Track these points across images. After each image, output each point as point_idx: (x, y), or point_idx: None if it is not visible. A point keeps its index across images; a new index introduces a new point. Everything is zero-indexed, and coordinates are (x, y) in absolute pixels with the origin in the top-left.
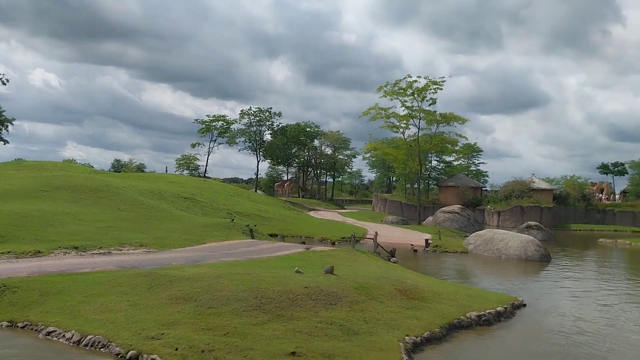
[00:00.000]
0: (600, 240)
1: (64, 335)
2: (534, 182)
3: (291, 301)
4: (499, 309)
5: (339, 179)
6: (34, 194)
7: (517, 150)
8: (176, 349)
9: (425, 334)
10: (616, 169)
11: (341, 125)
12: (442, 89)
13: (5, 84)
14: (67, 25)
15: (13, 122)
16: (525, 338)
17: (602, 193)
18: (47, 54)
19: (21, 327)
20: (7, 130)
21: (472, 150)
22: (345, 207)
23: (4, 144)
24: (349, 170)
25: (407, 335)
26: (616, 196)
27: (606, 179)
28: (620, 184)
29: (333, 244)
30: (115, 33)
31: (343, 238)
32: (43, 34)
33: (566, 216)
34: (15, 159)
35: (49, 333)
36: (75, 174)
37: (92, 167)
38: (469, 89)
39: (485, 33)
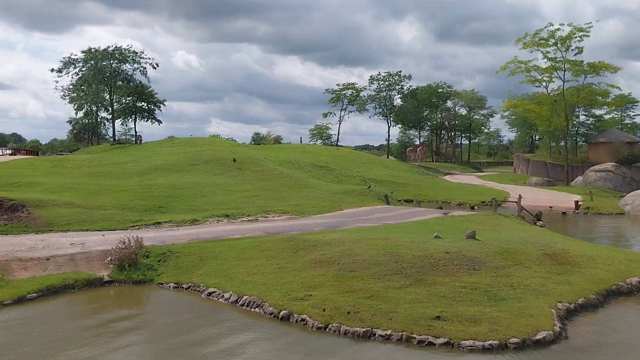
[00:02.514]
0: None
1: (222, 296)
2: None
3: (432, 266)
4: None
5: (475, 140)
6: (186, 168)
7: None
8: (323, 310)
9: (579, 300)
10: None
11: (475, 84)
12: (588, 35)
13: (155, 68)
14: (199, 7)
15: (164, 103)
16: None
17: None
18: (185, 37)
19: (186, 288)
20: (161, 110)
21: (627, 102)
22: (483, 169)
23: (159, 124)
24: (486, 130)
25: (559, 302)
26: None
27: None
28: None
29: (472, 208)
30: (244, 9)
31: (483, 202)
32: (180, 17)
33: None
34: (168, 137)
35: (209, 294)
36: (221, 148)
37: (235, 140)
38: (620, 32)
39: None
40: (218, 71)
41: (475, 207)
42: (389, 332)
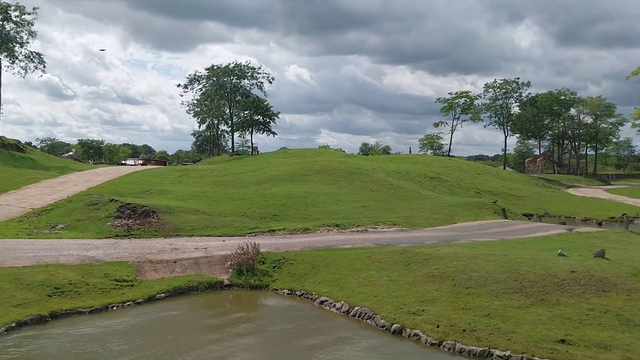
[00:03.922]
0: None
1: (334, 305)
2: None
3: (556, 285)
4: None
5: (603, 150)
6: (299, 178)
7: None
8: (437, 326)
9: None
10: None
11: (602, 90)
12: None
13: (271, 82)
14: (312, 22)
15: (278, 116)
16: None
17: None
18: (297, 51)
19: (299, 296)
20: (275, 123)
21: None
22: (611, 182)
23: (273, 135)
24: (614, 140)
25: None
26: None
27: None
28: None
29: (600, 224)
30: (356, 22)
31: (612, 218)
32: (294, 32)
33: None
34: (281, 148)
35: (322, 302)
36: (331, 159)
37: (344, 151)
38: None
39: None
40: (328, 83)
41: (603, 223)
42: (508, 352)
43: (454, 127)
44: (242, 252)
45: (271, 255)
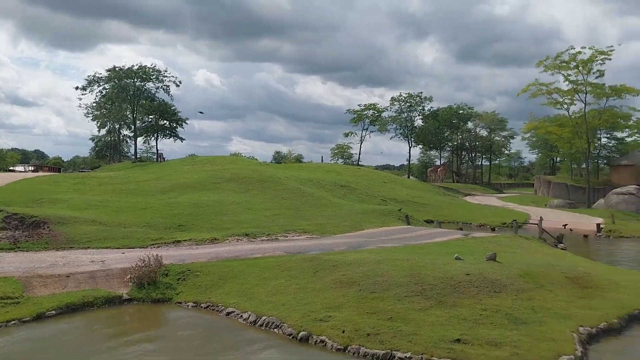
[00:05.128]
0: None
1: (241, 316)
2: None
3: (453, 288)
4: None
5: (496, 161)
6: (208, 186)
7: None
8: (343, 331)
9: (602, 324)
10: None
11: (497, 105)
12: (610, 59)
13: (178, 86)
14: (225, 27)
15: (187, 122)
16: None
17: None
18: (208, 56)
19: (205, 308)
20: (183, 128)
21: None
22: (503, 191)
23: (181, 141)
24: (506, 152)
25: (581, 326)
26: None
27: None
28: None
29: (493, 230)
30: (269, 29)
31: (504, 224)
32: (204, 36)
33: None
34: (189, 155)
35: (228, 313)
36: (243, 167)
37: (257, 159)
38: None
39: None
40: (240, 90)
41: (496, 229)
42: (409, 354)
43: (363, 138)
44: (143, 264)
45: (175, 267)
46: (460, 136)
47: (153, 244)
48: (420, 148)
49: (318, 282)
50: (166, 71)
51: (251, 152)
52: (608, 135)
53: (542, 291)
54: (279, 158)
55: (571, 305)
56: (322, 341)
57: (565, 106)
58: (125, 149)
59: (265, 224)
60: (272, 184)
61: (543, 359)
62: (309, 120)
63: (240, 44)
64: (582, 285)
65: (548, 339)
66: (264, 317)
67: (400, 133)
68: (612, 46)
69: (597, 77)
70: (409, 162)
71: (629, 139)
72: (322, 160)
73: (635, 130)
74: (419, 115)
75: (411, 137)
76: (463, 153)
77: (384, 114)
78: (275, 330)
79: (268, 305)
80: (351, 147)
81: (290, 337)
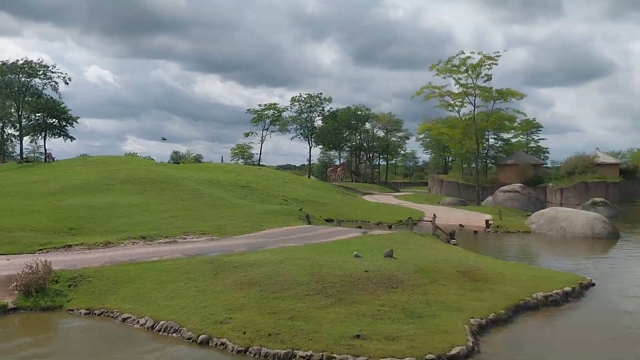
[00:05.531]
0: None
1: (138, 321)
2: (598, 156)
3: (352, 285)
4: (566, 289)
5: (393, 161)
6: (101, 188)
7: (580, 123)
8: (244, 333)
9: (491, 315)
10: None
11: (393, 107)
12: (497, 64)
13: (67, 83)
14: (118, 22)
15: (77, 120)
16: (596, 319)
17: None
18: (100, 51)
19: (98, 315)
20: (74, 127)
21: (532, 126)
22: (400, 190)
23: (71, 140)
24: (402, 152)
25: (472, 318)
26: None
27: None
28: None
29: (390, 227)
30: (165, 26)
31: (400, 221)
32: (96, 31)
33: (634, 191)
34: (81, 155)
35: (124, 319)
36: (138, 167)
37: (153, 159)
38: (526, 61)
39: (542, 0)
40: (135, 87)
41: (393, 226)
42: (309, 352)
43: (263, 138)
44: (30, 271)
45: (66, 273)
46: (359, 137)
47: (41, 249)
48: (321, 148)
49: (218, 284)
50: (54, 66)
51: (147, 152)
52: (495, 136)
53: (436, 285)
54: (177, 158)
55: (463, 298)
56: (222, 344)
57: (457, 108)
58: (10, 149)
59: (163, 226)
60: (169, 185)
61: (437, 351)
62: (208, 119)
63: (134, 39)
64: (473, 278)
65: (442, 331)
66: (162, 322)
67: (301, 133)
68: (498, 52)
69: (485, 81)
70: (310, 162)
71: (514, 140)
72: (222, 160)
73: (520, 132)
74: (318, 115)
75: (311, 137)
76: (361, 153)
77: (285, 114)
78: (174, 334)
79: (166, 309)
80: (252, 147)
81: (190, 341)
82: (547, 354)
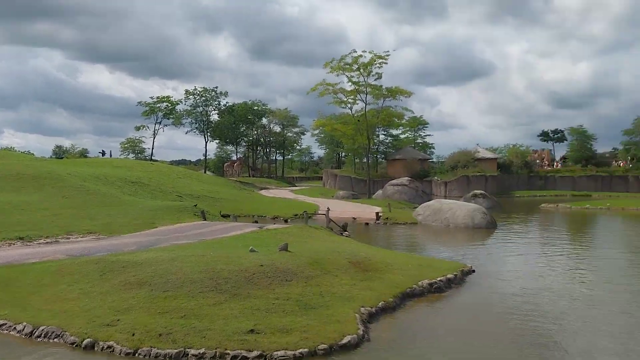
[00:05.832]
0: (542, 205)
1: (14, 328)
2: (478, 151)
3: (247, 280)
4: (449, 276)
5: (289, 156)
6: None
7: (463, 121)
8: (133, 334)
9: (380, 304)
10: (556, 135)
11: (289, 102)
12: (387, 63)
13: None
14: None
15: None
16: (476, 303)
17: (543, 160)
18: None
19: None
20: None
21: (418, 123)
22: (296, 184)
23: None
24: (298, 147)
25: (362, 307)
26: (556, 162)
27: (547, 146)
28: (560, 150)
29: (286, 221)
30: (46, 11)
31: (295, 215)
32: None
33: (510, 184)
34: None
35: None
36: (15, 162)
37: (33, 154)
38: (415, 60)
39: (429, 2)
40: (12, 77)
41: (289, 220)
42: (202, 350)
43: (156, 131)
44: None
45: None
46: (256, 132)
47: None
48: (217, 143)
49: (105, 285)
50: None
51: (26, 146)
52: (385, 133)
53: (329, 277)
54: (60, 153)
55: (354, 288)
56: (109, 347)
57: (349, 105)
58: None
59: (44, 225)
60: (51, 181)
61: (329, 341)
62: (95, 111)
63: (10, 25)
64: (363, 268)
65: (334, 321)
66: (42, 327)
67: (196, 127)
68: (388, 51)
69: (375, 79)
70: (206, 157)
71: (402, 136)
72: (110, 155)
73: (407, 128)
74: (214, 109)
75: (207, 131)
76: (258, 148)
77: (179, 107)
78: (56, 340)
79: (47, 314)
80: (144, 142)
81: (74, 345)
82: (432, 338)
